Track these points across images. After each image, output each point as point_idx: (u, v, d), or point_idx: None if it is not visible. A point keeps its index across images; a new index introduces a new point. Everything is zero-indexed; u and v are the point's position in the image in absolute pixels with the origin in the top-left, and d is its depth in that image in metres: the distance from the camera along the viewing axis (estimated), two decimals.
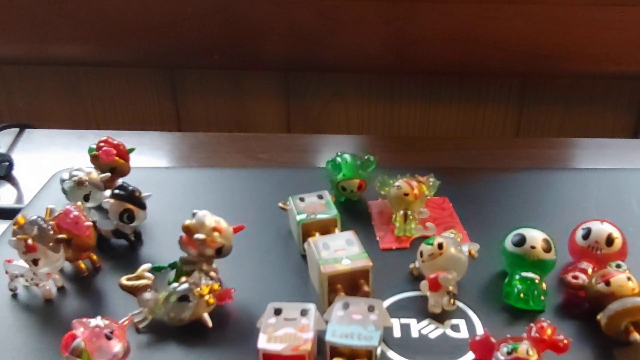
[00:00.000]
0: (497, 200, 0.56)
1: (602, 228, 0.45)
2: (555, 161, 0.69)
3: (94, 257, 0.48)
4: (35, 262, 0.43)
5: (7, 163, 0.68)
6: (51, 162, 0.68)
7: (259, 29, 0.77)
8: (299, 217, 0.48)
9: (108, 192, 0.50)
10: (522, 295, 0.42)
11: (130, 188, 0.50)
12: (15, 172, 0.68)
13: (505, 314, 0.42)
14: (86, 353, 0.35)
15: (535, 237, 0.44)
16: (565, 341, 0.36)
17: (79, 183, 0.51)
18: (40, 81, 0.85)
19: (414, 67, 0.79)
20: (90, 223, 0.46)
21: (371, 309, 0.39)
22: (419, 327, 0.41)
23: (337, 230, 0.48)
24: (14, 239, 0.43)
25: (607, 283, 0.40)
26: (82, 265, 0.47)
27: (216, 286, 0.41)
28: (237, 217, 0.46)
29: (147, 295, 0.41)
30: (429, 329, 0.41)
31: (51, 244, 0.43)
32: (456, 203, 0.55)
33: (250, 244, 0.49)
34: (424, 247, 0.44)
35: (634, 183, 0.58)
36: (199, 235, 0.42)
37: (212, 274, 0.43)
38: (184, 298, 0.40)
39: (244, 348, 0.39)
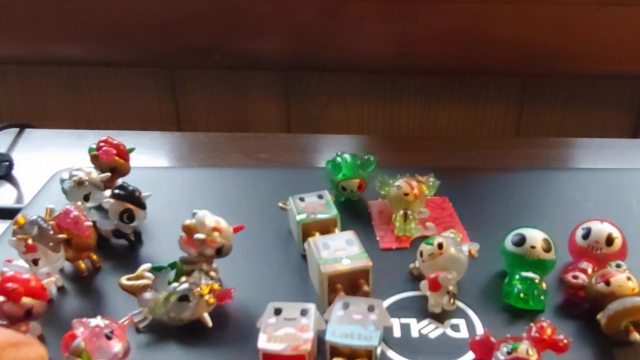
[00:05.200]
0: (497, 200, 0.56)
1: (602, 228, 0.45)
2: (555, 161, 0.69)
3: (94, 257, 0.48)
4: (35, 262, 0.43)
5: (7, 163, 0.68)
6: (51, 162, 0.68)
7: (259, 29, 0.77)
8: (299, 217, 0.48)
9: (108, 192, 0.50)
10: (522, 295, 0.42)
11: (130, 188, 0.50)
12: (15, 172, 0.68)
13: (505, 313, 0.42)
14: (86, 353, 0.35)
15: (535, 237, 0.44)
16: (565, 341, 0.36)
17: (79, 183, 0.51)
18: (40, 81, 0.85)
19: (414, 67, 0.79)
20: (90, 223, 0.46)
21: (371, 308, 0.39)
22: (419, 327, 0.41)
23: (337, 230, 0.48)
24: (14, 238, 0.43)
25: (607, 283, 0.40)
26: (82, 265, 0.47)
27: (216, 286, 0.42)
28: (237, 217, 0.46)
29: (147, 295, 0.41)
30: (429, 329, 0.41)
31: (51, 243, 0.43)
32: (456, 203, 0.55)
33: (250, 243, 0.49)
34: (424, 247, 0.44)
35: (634, 183, 0.58)
36: (199, 235, 0.42)
37: (212, 273, 0.43)
38: (184, 298, 0.40)
39: (244, 348, 0.39)
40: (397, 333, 0.40)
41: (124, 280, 0.42)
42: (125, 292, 0.42)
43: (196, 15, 0.76)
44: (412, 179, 0.52)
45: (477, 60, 0.77)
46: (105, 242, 0.50)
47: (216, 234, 0.43)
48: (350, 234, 0.45)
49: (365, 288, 0.42)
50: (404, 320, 0.42)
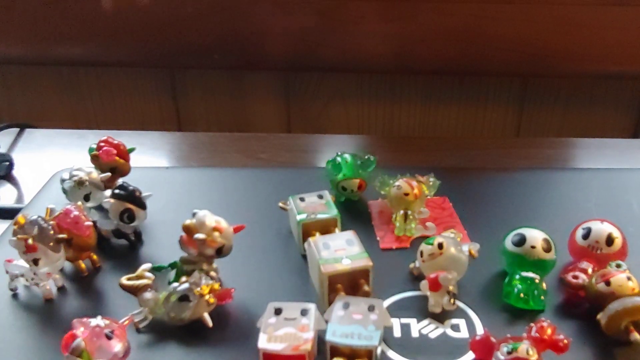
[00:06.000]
0: (497, 200, 0.56)
1: (602, 228, 0.45)
2: (556, 161, 0.69)
3: (94, 257, 0.48)
4: (35, 261, 0.43)
5: (7, 163, 0.68)
6: (51, 162, 0.68)
7: (259, 28, 0.77)
8: (299, 217, 0.48)
9: (108, 192, 0.50)
10: (522, 295, 0.42)
11: (131, 188, 0.50)
12: (15, 172, 0.68)
13: (506, 313, 0.42)
14: (86, 353, 0.35)
15: (536, 236, 0.44)
16: (565, 341, 0.36)
17: (79, 183, 0.51)
18: (41, 81, 0.85)
19: (414, 67, 0.79)
20: (90, 223, 0.46)
21: (371, 308, 0.39)
22: (419, 327, 0.41)
23: (337, 230, 0.48)
24: (15, 238, 0.43)
25: (607, 283, 0.40)
26: (83, 265, 0.47)
27: (216, 286, 0.42)
28: (237, 217, 0.46)
29: (148, 295, 0.41)
30: (429, 329, 0.41)
31: (51, 243, 0.43)
32: (456, 203, 0.55)
33: (251, 243, 0.49)
34: (424, 247, 0.44)
35: (634, 183, 0.58)
36: (200, 235, 0.42)
37: (213, 273, 0.43)
38: (184, 298, 0.40)
39: (244, 348, 0.39)
40: (397, 333, 0.40)
41: (124, 280, 0.42)
42: (125, 292, 0.42)
43: (196, 15, 0.76)
44: (412, 179, 0.52)
45: (477, 60, 0.77)
46: (106, 242, 0.50)
47: (216, 233, 0.43)
48: (350, 234, 0.45)
49: (366, 288, 0.42)
50: (404, 320, 0.41)
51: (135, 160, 0.56)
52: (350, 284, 0.42)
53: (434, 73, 0.80)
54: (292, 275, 0.47)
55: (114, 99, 0.85)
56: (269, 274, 0.47)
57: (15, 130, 0.77)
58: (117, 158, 0.54)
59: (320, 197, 0.51)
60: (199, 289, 0.40)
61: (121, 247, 0.50)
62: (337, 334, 0.37)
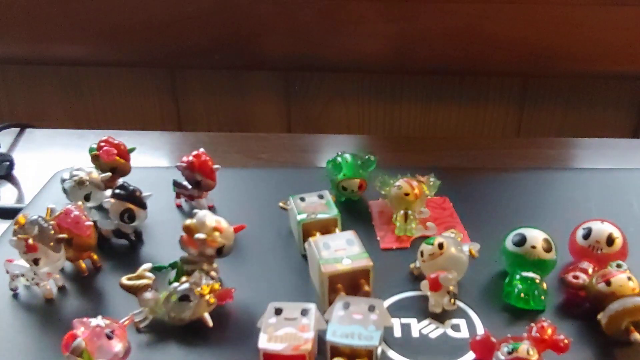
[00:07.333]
0: (497, 200, 0.56)
1: (602, 228, 0.45)
2: (556, 161, 0.69)
3: (95, 256, 0.48)
4: (35, 261, 0.43)
5: (7, 163, 0.68)
6: (52, 161, 0.68)
7: (260, 29, 0.77)
8: (299, 217, 0.48)
9: (109, 192, 0.50)
10: (522, 295, 0.42)
11: (131, 188, 0.50)
12: (15, 172, 0.68)
13: (506, 313, 0.42)
14: (87, 353, 0.35)
15: (536, 236, 0.44)
16: (566, 341, 0.36)
17: (80, 183, 0.51)
18: (41, 81, 0.85)
19: (414, 66, 0.79)
20: (90, 223, 0.46)
21: (372, 308, 0.39)
22: (419, 327, 0.41)
23: (337, 230, 0.48)
24: (15, 238, 0.43)
25: (608, 283, 0.40)
26: (83, 265, 0.47)
27: (217, 286, 0.42)
28: (237, 217, 0.46)
29: (148, 295, 0.41)
30: (429, 329, 0.41)
31: (52, 243, 0.43)
32: (457, 203, 0.55)
33: (251, 243, 0.49)
34: (424, 247, 0.44)
35: (635, 183, 0.58)
36: (200, 235, 0.42)
37: (213, 273, 0.43)
38: (184, 298, 0.40)
39: (244, 348, 0.39)
40: (397, 333, 0.40)
41: (124, 280, 0.42)
42: (125, 291, 0.42)
43: (197, 15, 0.76)
44: (412, 179, 0.52)
45: (478, 60, 0.77)
46: (106, 242, 0.50)
47: (217, 233, 0.43)
48: (350, 234, 0.45)
49: (366, 288, 0.42)
50: (405, 320, 0.41)
51: (135, 160, 0.56)
52: (351, 284, 0.42)
53: (434, 73, 0.80)
54: (293, 275, 0.47)
55: (114, 99, 0.85)
56: (269, 274, 0.47)
57: (16, 130, 0.77)
58: (117, 158, 0.54)
59: (321, 197, 0.51)
60: (199, 289, 0.40)
61: (121, 247, 0.50)
62: (337, 334, 0.37)
